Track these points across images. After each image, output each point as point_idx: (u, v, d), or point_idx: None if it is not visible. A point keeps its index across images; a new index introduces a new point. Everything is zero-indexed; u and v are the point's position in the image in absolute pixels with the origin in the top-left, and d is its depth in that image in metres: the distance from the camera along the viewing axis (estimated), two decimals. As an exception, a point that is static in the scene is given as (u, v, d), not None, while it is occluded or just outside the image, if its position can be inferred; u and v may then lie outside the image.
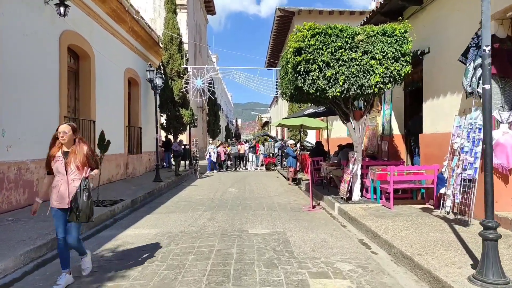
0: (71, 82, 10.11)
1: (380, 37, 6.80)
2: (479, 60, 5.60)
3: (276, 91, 18.02)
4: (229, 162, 20.79)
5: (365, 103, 7.83)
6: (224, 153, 19.78)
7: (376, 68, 6.72)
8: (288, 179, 13.34)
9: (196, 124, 20.19)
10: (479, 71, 5.59)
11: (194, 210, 7.90)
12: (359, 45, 6.76)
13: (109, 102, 11.95)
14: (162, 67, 16.99)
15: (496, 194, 3.86)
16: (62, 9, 8.33)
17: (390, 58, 6.77)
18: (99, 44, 11.06)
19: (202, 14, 34.83)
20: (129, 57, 14.02)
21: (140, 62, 15.13)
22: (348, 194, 7.76)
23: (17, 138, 7.31)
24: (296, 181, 13.06)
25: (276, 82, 17.68)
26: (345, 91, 6.81)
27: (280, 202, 8.90)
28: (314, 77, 6.70)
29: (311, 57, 6.66)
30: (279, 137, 32.20)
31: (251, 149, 22.06)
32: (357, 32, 6.81)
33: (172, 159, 17.82)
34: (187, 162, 19.19)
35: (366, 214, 6.46)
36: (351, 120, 7.79)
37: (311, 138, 23.30)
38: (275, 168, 20.31)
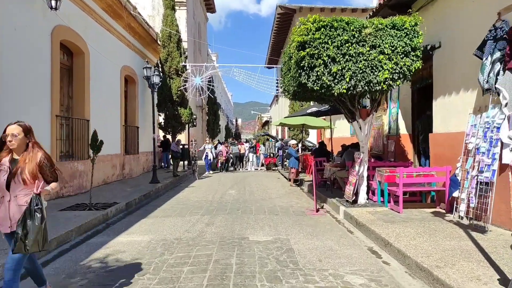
0: (64, 79, 9.72)
1: (389, 30, 6.38)
2: (497, 54, 5.21)
3: (277, 89, 17.61)
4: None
5: (372, 101, 7.43)
6: (227, 152, 19.37)
7: (385, 63, 6.30)
8: (290, 180, 12.94)
9: (195, 123, 19.78)
10: (497, 66, 5.21)
11: (191, 214, 7.50)
12: (367, 39, 6.34)
13: (105, 101, 11.52)
14: (160, 65, 16.59)
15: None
16: (53, 2, 7.94)
17: (400, 53, 6.36)
18: (94, 40, 10.64)
19: (202, 12, 34.32)
20: (126, 54, 13.59)
21: (137, 59, 14.70)
22: (354, 197, 7.37)
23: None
24: (298, 182, 12.65)
25: (277, 80, 17.27)
26: (351, 88, 6.39)
27: (282, 205, 8.50)
28: (319, 73, 6.28)
29: (316, 51, 6.24)
30: (280, 136, 31.80)
31: (252, 149, 21.68)
32: (365, 25, 6.39)
33: (170, 160, 17.42)
34: (186, 162, 18.79)
35: (374, 219, 6.06)
36: (357, 119, 7.38)
37: (312, 137, 22.91)
38: (276, 168, 19.90)
